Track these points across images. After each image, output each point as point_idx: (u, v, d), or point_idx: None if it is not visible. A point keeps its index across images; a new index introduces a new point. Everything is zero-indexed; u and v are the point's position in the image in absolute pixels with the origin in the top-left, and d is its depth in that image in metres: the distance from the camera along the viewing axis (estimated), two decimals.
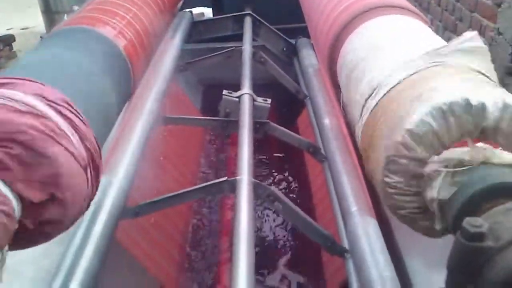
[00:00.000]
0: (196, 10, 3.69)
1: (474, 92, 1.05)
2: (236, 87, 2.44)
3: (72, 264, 1.50)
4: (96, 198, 1.67)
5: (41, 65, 1.33)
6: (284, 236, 2.57)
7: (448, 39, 1.38)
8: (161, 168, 2.34)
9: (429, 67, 1.20)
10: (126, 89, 1.73)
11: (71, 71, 1.37)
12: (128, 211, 1.80)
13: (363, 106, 1.34)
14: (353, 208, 1.83)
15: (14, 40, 7.20)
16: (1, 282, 0.98)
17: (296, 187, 2.94)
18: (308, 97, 2.77)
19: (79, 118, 1.13)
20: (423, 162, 1.06)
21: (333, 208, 2.05)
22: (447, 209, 0.96)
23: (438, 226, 1.08)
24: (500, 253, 0.71)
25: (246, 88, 2.40)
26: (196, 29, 3.45)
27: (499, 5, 2.99)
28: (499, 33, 2.96)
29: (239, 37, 3.14)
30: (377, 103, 1.25)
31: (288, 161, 3.11)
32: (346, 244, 1.84)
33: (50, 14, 6.44)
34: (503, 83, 2.83)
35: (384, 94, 1.24)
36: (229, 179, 1.81)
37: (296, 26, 3.30)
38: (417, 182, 1.11)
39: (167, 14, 2.81)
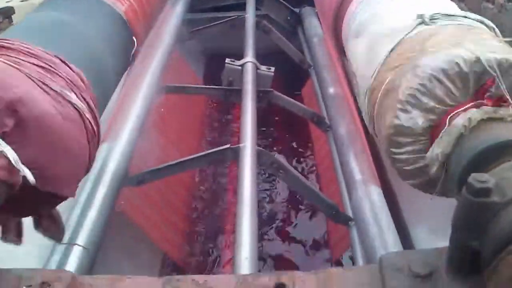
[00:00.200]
0: None
1: (472, 51, 1.02)
2: (240, 57, 2.40)
3: (75, 229, 1.49)
4: (98, 165, 1.67)
5: (40, 28, 1.30)
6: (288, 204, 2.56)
7: None
8: (164, 137, 2.31)
9: (427, 30, 1.18)
10: (127, 54, 1.69)
11: (70, 35, 1.33)
12: (131, 179, 1.79)
13: (368, 77, 1.31)
14: (358, 176, 1.81)
15: (14, 13, 7.12)
16: None
17: (300, 157, 2.92)
18: (312, 67, 2.73)
19: (81, 80, 1.10)
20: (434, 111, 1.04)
21: (337, 177, 2.03)
22: (454, 166, 0.94)
23: (441, 188, 1.06)
24: (505, 209, 0.70)
25: (249, 57, 2.37)
26: None
27: None
28: (509, 0, 2.89)
29: (241, 7, 3.08)
30: (378, 74, 1.22)
31: (292, 132, 3.08)
32: (350, 213, 1.83)
33: None
34: None
35: (384, 62, 1.21)
36: (232, 146, 1.79)
37: None
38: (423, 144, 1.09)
39: None
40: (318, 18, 2.93)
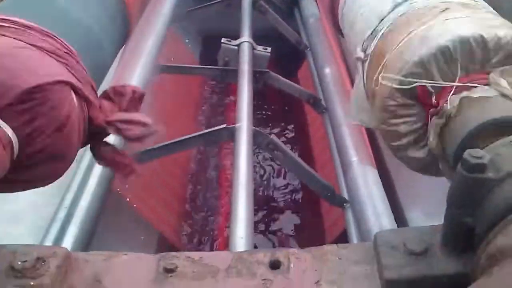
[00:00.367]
0: None
1: (467, 27, 1.02)
2: (237, 38, 2.38)
3: (70, 210, 1.49)
4: None
5: (30, 5, 1.27)
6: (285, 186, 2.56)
7: None
8: (159, 116, 2.30)
9: (425, 4, 1.17)
10: (122, 33, 1.67)
11: (62, 11, 1.31)
12: None
13: (365, 53, 1.30)
14: (353, 158, 1.81)
15: None
16: None
17: (296, 139, 2.92)
18: (308, 48, 2.71)
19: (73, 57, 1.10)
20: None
21: (333, 159, 2.03)
22: (449, 145, 0.94)
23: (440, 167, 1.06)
24: (500, 185, 0.70)
25: (245, 36, 2.35)
26: None
27: None
28: None
29: None
30: (375, 48, 1.22)
31: (288, 114, 3.08)
32: (345, 195, 1.83)
33: None
34: None
35: (381, 35, 1.20)
36: (228, 126, 1.79)
37: None
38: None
39: None
40: None
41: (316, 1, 2.87)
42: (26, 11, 1.25)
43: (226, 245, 1.96)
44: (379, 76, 1.09)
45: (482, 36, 0.99)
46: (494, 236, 0.66)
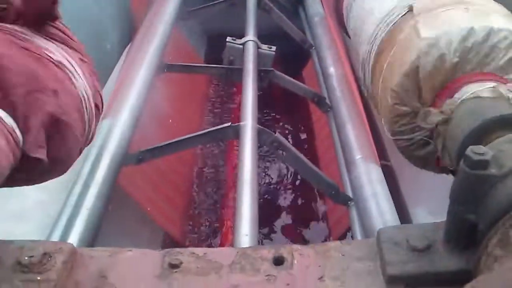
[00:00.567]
0: None
1: (486, 21, 1.01)
2: (242, 37, 2.38)
3: (75, 208, 1.50)
4: (98, 143, 1.67)
5: None
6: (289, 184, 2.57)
7: None
8: (164, 115, 2.31)
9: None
10: (127, 31, 1.69)
11: (67, 7, 1.32)
12: (132, 157, 1.79)
13: (369, 50, 1.31)
14: (357, 156, 1.82)
15: None
16: None
17: (301, 138, 2.92)
18: (313, 47, 2.72)
19: (85, 59, 1.11)
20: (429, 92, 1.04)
21: (338, 157, 2.03)
22: (452, 142, 0.95)
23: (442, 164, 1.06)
24: (503, 181, 0.70)
25: (250, 35, 2.35)
26: None
27: None
28: None
29: None
30: (380, 43, 1.22)
31: (293, 113, 3.08)
32: (350, 193, 1.83)
33: None
34: None
35: (386, 32, 1.21)
36: (233, 124, 1.79)
37: None
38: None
39: None
40: None
41: (321, 0, 2.88)
42: None
43: (231, 242, 1.97)
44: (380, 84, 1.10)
45: (485, 33, 1.00)
46: (496, 232, 0.66)
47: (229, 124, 1.81)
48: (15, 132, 0.89)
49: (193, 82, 2.94)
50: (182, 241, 2.13)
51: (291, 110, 3.08)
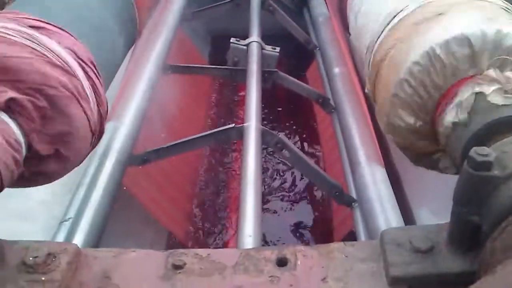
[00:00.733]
0: None
1: (489, 21, 1.01)
2: (245, 37, 2.39)
3: (80, 209, 1.51)
4: (103, 144, 1.68)
5: (43, 1, 1.30)
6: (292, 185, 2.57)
7: None
8: (168, 116, 2.32)
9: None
10: (132, 32, 1.69)
11: (76, 10, 1.33)
12: (136, 158, 1.80)
13: (372, 48, 1.31)
14: (362, 157, 1.82)
15: None
16: None
17: (305, 139, 2.92)
18: (318, 48, 2.72)
19: (99, 80, 1.14)
20: (432, 93, 1.04)
21: (342, 158, 2.03)
22: (456, 143, 0.94)
23: (447, 164, 1.06)
24: (506, 183, 0.70)
25: (254, 36, 2.36)
26: None
27: None
28: None
29: None
30: (380, 46, 1.22)
31: (297, 114, 3.08)
32: (354, 195, 1.83)
33: None
34: None
35: (388, 32, 1.21)
36: (236, 125, 1.79)
37: None
38: (424, 118, 1.09)
39: None
40: None
41: (325, 0, 2.87)
42: (39, 9, 1.28)
43: (235, 243, 1.98)
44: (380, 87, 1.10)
45: (490, 36, 0.99)
46: (499, 234, 0.66)
47: (233, 125, 1.81)
48: (16, 134, 0.91)
49: (197, 83, 2.95)
50: (186, 242, 2.13)
51: (295, 111, 3.07)
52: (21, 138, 0.92)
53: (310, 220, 2.41)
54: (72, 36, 1.13)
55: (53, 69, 0.99)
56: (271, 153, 2.61)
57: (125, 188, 1.78)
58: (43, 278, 0.78)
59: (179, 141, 1.84)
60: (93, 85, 1.11)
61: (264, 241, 2.08)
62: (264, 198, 2.35)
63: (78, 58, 1.08)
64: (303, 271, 0.80)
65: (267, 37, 2.46)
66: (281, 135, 1.94)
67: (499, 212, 0.68)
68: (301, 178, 2.56)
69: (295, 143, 2.79)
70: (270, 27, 2.68)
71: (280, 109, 3.11)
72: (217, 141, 1.95)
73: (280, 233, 2.31)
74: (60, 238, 1.43)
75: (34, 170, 1.01)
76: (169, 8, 2.53)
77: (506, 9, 1.11)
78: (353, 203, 1.82)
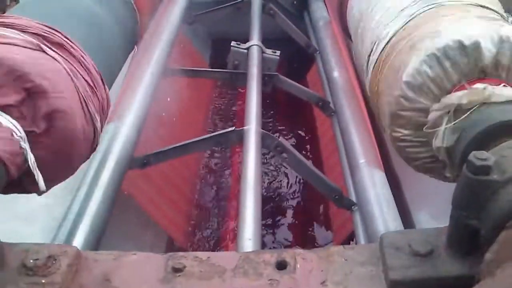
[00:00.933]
0: None
1: (467, 31, 1.02)
2: (246, 41, 2.39)
3: (80, 211, 1.51)
4: (103, 146, 1.68)
5: (46, 5, 1.30)
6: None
7: None
8: (169, 119, 2.32)
9: (423, 11, 1.17)
10: (133, 35, 1.70)
11: (76, 13, 1.34)
12: (136, 161, 1.80)
13: (367, 62, 1.32)
14: (361, 160, 1.82)
15: None
16: None
17: (305, 142, 2.92)
18: (318, 51, 2.72)
19: (103, 86, 1.15)
20: (426, 111, 1.04)
21: (341, 161, 2.03)
22: (454, 155, 0.95)
23: (448, 174, 1.06)
24: (505, 187, 0.70)
25: (255, 40, 2.36)
26: None
27: None
28: None
29: None
30: (377, 59, 1.23)
31: (297, 117, 3.09)
32: (353, 198, 1.83)
33: None
34: None
35: (382, 49, 1.22)
36: (237, 129, 1.80)
37: None
38: (424, 133, 1.09)
39: None
40: (324, 1, 2.92)
41: (325, 4, 2.88)
42: (42, 11, 1.28)
43: (234, 247, 1.98)
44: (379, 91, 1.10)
45: (490, 40, 1.00)
46: (498, 238, 0.67)
47: (233, 128, 1.81)
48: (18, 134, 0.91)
49: (198, 86, 2.95)
50: (186, 246, 2.13)
51: (295, 114, 3.08)
52: (22, 141, 0.93)
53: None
54: (73, 42, 1.13)
55: (55, 73, 1.00)
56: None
57: (124, 190, 1.78)
58: (43, 281, 0.78)
59: (179, 144, 1.84)
60: (95, 90, 1.12)
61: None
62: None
63: (79, 62, 1.09)
64: (302, 274, 0.81)
65: (267, 41, 2.47)
66: (281, 138, 1.94)
67: (498, 216, 0.68)
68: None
69: (294, 146, 2.79)
70: (271, 30, 2.69)
71: (280, 112, 3.11)
72: (217, 144, 1.96)
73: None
74: (61, 239, 1.43)
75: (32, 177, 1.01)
76: (170, 12, 2.54)
77: (488, 13, 1.12)
78: (352, 207, 1.82)
